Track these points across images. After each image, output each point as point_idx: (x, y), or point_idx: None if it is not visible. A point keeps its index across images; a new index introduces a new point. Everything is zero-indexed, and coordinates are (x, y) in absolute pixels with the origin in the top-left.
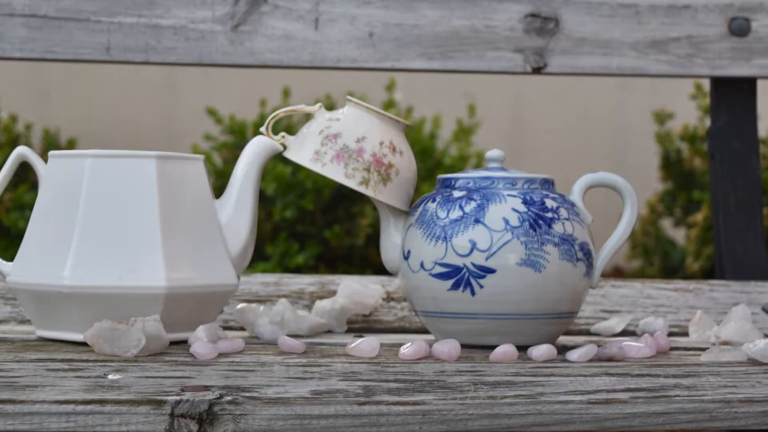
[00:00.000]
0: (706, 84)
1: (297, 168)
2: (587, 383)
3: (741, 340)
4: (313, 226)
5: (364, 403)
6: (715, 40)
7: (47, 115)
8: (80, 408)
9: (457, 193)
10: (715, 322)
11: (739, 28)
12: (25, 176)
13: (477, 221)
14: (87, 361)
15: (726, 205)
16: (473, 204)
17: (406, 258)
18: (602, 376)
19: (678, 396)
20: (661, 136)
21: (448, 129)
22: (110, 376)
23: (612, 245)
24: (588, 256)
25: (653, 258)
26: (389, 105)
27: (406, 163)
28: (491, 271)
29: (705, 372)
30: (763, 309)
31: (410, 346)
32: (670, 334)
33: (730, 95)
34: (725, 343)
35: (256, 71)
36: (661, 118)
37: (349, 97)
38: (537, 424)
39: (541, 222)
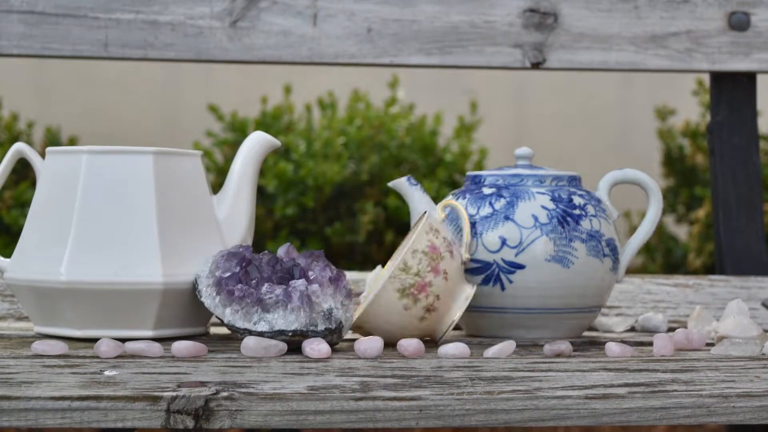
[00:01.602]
0: (708, 80)
1: (298, 165)
2: (585, 378)
3: (739, 335)
4: (314, 224)
5: (360, 399)
6: (714, 34)
7: (48, 113)
8: (76, 404)
9: (486, 190)
10: (715, 317)
11: (739, 22)
12: (26, 174)
13: (507, 218)
14: (83, 357)
15: (726, 200)
16: (503, 201)
17: None
18: (600, 371)
19: (676, 391)
20: (663, 133)
21: (449, 126)
22: (106, 373)
23: (637, 241)
24: (614, 252)
25: (655, 254)
26: (391, 102)
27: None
28: (521, 266)
29: (703, 367)
30: (763, 304)
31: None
32: (669, 330)
33: (729, 90)
34: (723, 338)
35: (258, 68)
36: (663, 114)
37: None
38: (534, 419)
39: (569, 219)
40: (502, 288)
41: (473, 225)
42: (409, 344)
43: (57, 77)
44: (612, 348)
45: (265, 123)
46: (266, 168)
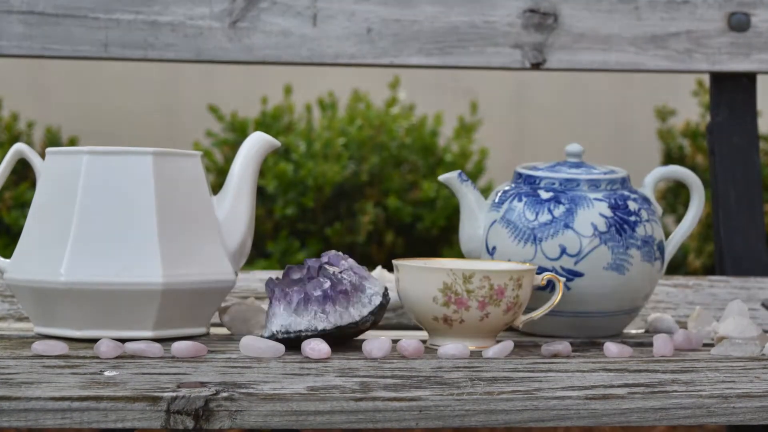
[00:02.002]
0: (708, 80)
1: (298, 165)
2: (585, 379)
3: (739, 335)
4: (314, 224)
5: (360, 399)
6: (714, 35)
7: (48, 113)
8: (76, 404)
9: (543, 194)
10: (715, 318)
11: (739, 23)
12: (26, 174)
13: (567, 226)
14: (83, 358)
15: (726, 200)
16: (562, 208)
17: (490, 253)
18: (600, 372)
19: (676, 391)
20: (663, 133)
21: (449, 126)
22: (106, 373)
23: (679, 237)
24: (662, 252)
25: None
26: (392, 102)
27: None
28: (579, 274)
29: (703, 367)
30: (763, 305)
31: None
32: None
33: (729, 90)
34: (723, 338)
35: (258, 68)
36: (663, 114)
37: None
38: (534, 420)
39: (626, 227)
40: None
41: (531, 230)
42: (409, 345)
43: (57, 77)
44: (611, 348)
45: (265, 123)
46: (266, 168)
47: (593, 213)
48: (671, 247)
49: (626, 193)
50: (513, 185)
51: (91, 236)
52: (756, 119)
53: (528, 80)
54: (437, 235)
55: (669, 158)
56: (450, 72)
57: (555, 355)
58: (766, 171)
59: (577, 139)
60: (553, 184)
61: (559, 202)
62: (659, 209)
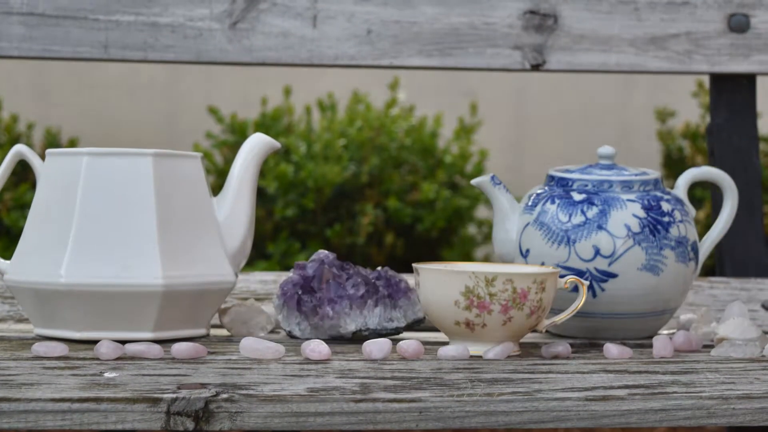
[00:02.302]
0: (708, 81)
1: (298, 167)
2: (584, 380)
3: (739, 336)
4: (314, 225)
5: (360, 401)
6: (714, 36)
7: (48, 114)
8: (76, 406)
9: (576, 196)
10: (715, 319)
11: (739, 24)
12: (26, 176)
13: (600, 227)
14: (83, 359)
15: None
16: (595, 210)
17: (524, 256)
18: (600, 373)
19: (676, 393)
20: (663, 134)
21: (449, 127)
22: (106, 374)
23: (713, 238)
24: (696, 253)
25: None
26: (392, 104)
27: None
28: (613, 276)
29: (703, 369)
30: (763, 306)
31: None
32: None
33: (729, 92)
34: (723, 339)
35: (257, 70)
36: (663, 115)
37: None
38: (534, 421)
39: (659, 227)
40: (594, 295)
41: (565, 232)
42: (409, 346)
43: (57, 79)
44: (611, 349)
45: (265, 124)
46: (267, 169)
47: (626, 214)
48: (705, 248)
49: (659, 194)
50: (546, 188)
51: (91, 238)
52: (756, 120)
53: (528, 81)
54: (437, 236)
55: (669, 159)
56: (450, 73)
57: (555, 357)
58: (765, 172)
59: (577, 140)
60: (586, 186)
61: (592, 204)
62: (692, 210)
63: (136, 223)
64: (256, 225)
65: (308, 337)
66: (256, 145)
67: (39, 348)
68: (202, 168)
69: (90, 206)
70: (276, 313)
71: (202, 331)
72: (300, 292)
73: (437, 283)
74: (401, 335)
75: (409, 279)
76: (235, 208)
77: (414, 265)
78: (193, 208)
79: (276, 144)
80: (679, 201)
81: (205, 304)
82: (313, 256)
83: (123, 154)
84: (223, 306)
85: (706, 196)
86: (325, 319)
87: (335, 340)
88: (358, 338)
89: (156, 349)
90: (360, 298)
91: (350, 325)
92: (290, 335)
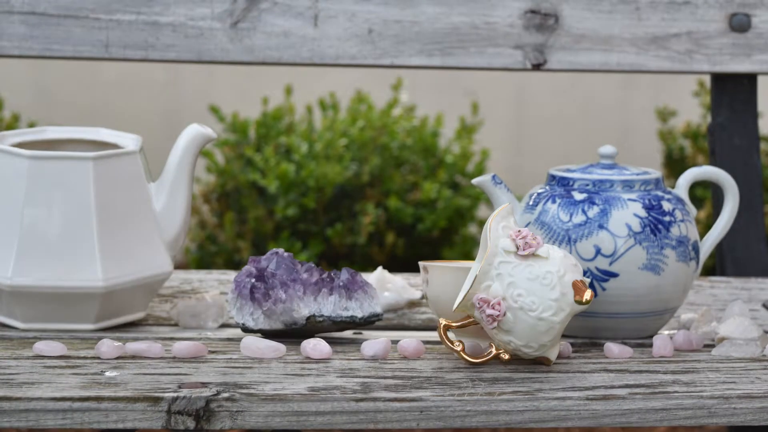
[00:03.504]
0: (709, 81)
1: (299, 166)
2: (585, 380)
3: (740, 336)
4: (315, 225)
5: (361, 400)
6: (715, 35)
7: (49, 113)
8: (77, 405)
9: (577, 196)
10: (716, 318)
11: (740, 23)
12: None
13: (601, 227)
14: (84, 358)
15: None
16: (596, 209)
17: None
18: (600, 373)
19: (677, 392)
20: (664, 134)
21: (450, 127)
22: (107, 374)
23: (714, 238)
24: (697, 253)
25: None
26: (393, 104)
27: None
28: (614, 275)
29: (704, 368)
30: (764, 305)
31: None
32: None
33: (730, 91)
34: (724, 339)
35: (258, 69)
36: (664, 115)
37: None
38: (534, 421)
39: (660, 227)
40: (595, 295)
41: (566, 231)
42: (409, 345)
43: (58, 78)
44: (611, 349)
45: (266, 124)
46: (268, 168)
47: (627, 213)
48: (706, 248)
49: (660, 193)
50: (546, 187)
51: (35, 241)
52: (757, 120)
53: (529, 81)
54: (438, 236)
55: (670, 159)
56: (451, 73)
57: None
58: (766, 172)
59: (578, 140)
60: (587, 185)
61: (593, 203)
62: (693, 210)
63: (78, 226)
64: (256, 224)
65: (261, 328)
66: (193, 136)
67: (40, 347)
68: (141, 162)
69: (33, 210)
70: (230, 307)
71: (140, 315)
72: (254, 281)
73: (447, 281)
74: (401, 336)
75: (411, 278)
76: (171, 199)
77: (421, 263)
78: (132, 205)
79: (212, 134)
80: (680, 200)
81: (144, 293)
82: (268, 253)
83: (64, 158)
84: (177, 302)
85: (706, 195)
86: (278, 303)
87: (294, 333)
88: (313, 328)
89: (157, 348)
90: (314, 285)
91: (303, 310)
92: (244, 329)
